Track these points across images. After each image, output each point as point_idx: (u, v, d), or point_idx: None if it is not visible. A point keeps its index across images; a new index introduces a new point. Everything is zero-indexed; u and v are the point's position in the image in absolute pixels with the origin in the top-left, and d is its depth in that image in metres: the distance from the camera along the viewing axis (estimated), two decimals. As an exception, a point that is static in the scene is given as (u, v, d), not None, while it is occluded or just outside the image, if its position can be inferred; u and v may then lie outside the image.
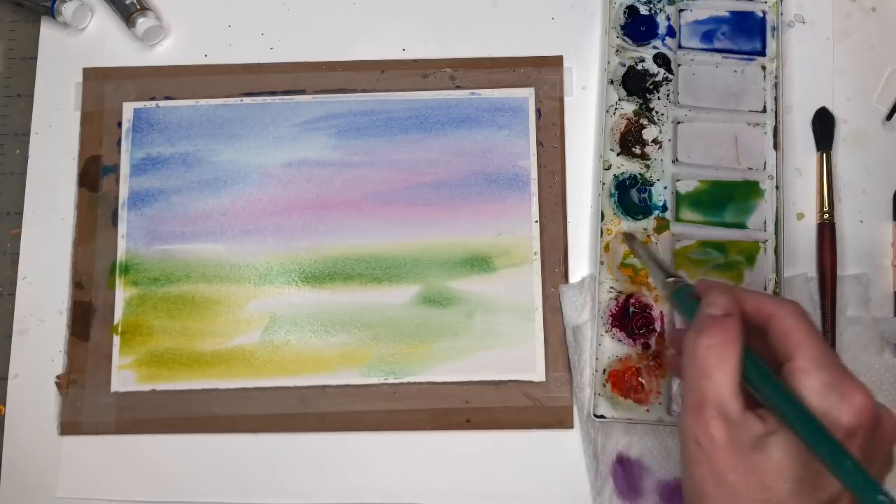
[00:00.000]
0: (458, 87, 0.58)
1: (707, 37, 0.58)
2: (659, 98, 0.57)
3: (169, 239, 0.56)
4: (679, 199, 0.56)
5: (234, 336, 0.55)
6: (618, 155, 0.56)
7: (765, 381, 0.36)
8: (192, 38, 0.60)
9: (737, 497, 0.35)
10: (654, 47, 0.58)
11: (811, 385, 0.35)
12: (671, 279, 0.43)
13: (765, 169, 0.56)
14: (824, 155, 0.56)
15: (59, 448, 0.54)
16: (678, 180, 0.56)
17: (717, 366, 0.36)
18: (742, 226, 0.55)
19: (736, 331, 0.36)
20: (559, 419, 0.53)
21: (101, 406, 0.54)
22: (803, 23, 0.59)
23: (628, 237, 0.52)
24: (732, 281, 0.54)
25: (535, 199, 0.56)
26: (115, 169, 0.58)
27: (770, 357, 0.37)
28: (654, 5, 0.58)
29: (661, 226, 0.55)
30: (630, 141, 0.56)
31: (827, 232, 0.55)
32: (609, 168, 0.56)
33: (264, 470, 0.53)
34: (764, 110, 0.57)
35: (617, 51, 0.58)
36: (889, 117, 0.57)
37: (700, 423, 0.36)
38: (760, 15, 0.58)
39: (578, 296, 0.54)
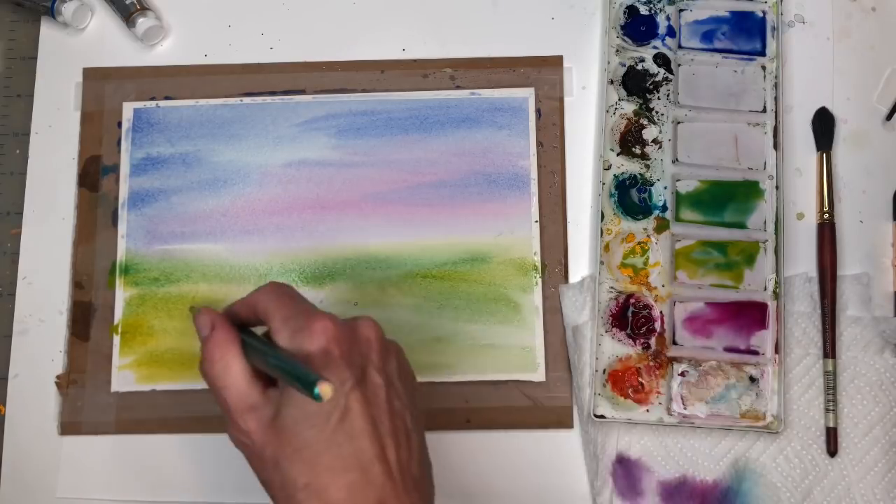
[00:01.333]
0: (458, 87, 0.58)
1: (707, 37, 0.58)
2: (659, 98, 0.57)
3: (169, 239, 0.56)
4: (679, 199, 0.56)
5: (234, 336, 0.55)
6: (618, 155, 0.56)
7: (258, 355, 0.39)
8: (192, 38, 0.60)
9: (278, 464, 0.37)
10: (654, 47, 0.58)
11: (284, 338, 0.39)
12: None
13: (765, 169, 0.56)
14: (824, 155, 0.56)
15: (59, 448, 0.54)
16: (678, 180, 0.56)
17: (226, 376, 0.39)
18: (742, 226, 0.55)
19: (226, 336, 0.40)
20: (559, 419, 0.53)
21: (101, 406, 0.54)
22: (803, 23, 0.59)
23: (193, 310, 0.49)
24: (732, 281, 0.54)
25: (535, 199, 0.56)
26: (115, 169, 0.58)
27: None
28: (654, 5, 0.58)
29: (661, 226, 0.55)
30: (630, 141, 0.56)
31: (827, 232, 0.55)
32: (609, 168, 0.56)
33: (264, 470, 0.53)
34: (764, 110, 0.57)
35: (617, 51, 0.58)
36: (889, 117, 0.57)
37: (235, 428, 0.39)
38: (760, 15, 0.58)
39: (578, 296, 0.54)
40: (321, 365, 0.37)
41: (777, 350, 0.53)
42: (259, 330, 0.42)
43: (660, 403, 0.52)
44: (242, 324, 0.42)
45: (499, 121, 0.57)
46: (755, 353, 0.53)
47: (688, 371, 0.53)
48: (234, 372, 0.39)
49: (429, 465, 0.41)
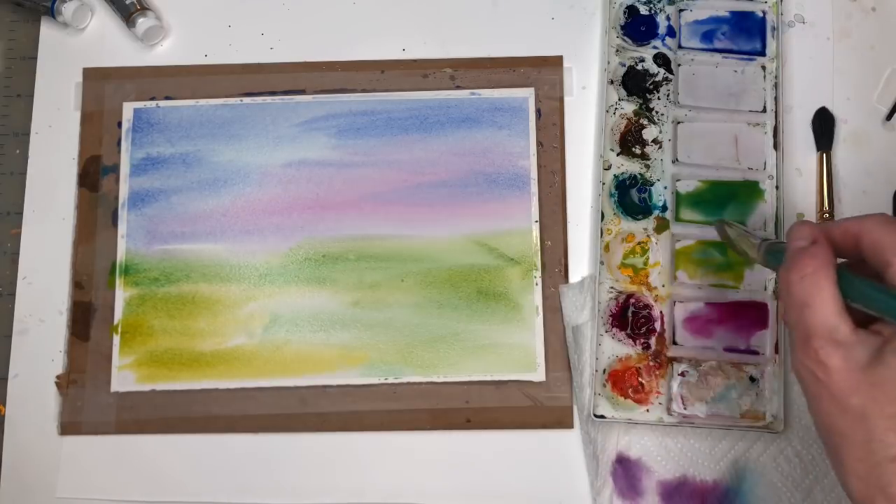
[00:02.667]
0: (458, 87, 0.58)
1: (707, 37, 0.58)
2: (659, 98, 0.57)
3: (169, 239, 0.56)
4: (679, 199, 0.56)
5: (234, 336, 0.55)
6: (618, 155, 0.56)
7: (869, 293, 0.35)
8: (192, 38, 0.60)
9: (866, 419, 0.33)
10: (654, 47, 0.58)
11: None
12: (762, 241, 0.43)
13: (765, 169, 0.56)
14: (824, 155, 0.56)
15: (59, 448, 0.54)
16: (678, 180, 0.56)
17: (815, 294, 0.35)
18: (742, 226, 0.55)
19: (825, 255, 0.36)
20: (559, 419, 0.53)
21: (101, 406, 0.54)
22: (803, 23, 0.59)
23: (719, 226, 0.50)
24: (732, 281, 0.54)
25: (535, 199, 0.56)
26: (115, 169, 0.58)
27: (872, 275, 0.36)
28: (654, 5, 0.58)
29: (661, 226, 0.55)
30: (630, 141, 0.56)
31: (827, 232, 0.55)
32: (609, 168, 0.56)
33: (264, 470, 0.53)
34: (764, 110, 0.57)
35: (617, 51, 0.58)
36: (889, 117, 0.57)
37: (810, 354, 0.34)
38: (760, 15, 0.58)
39: (578, 296, 0.54)
40: None
41: (777, 350, 0.53)
42: None
43: (660, 403, 0.52)
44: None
45: (499, 121, 0.57)
46: (755, 353, 0.53)
47: (688, 371, 0.53)
48: (826, 294, 0.34)
49: None
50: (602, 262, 0.54)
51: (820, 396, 0.34)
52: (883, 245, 0.35)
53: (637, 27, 0.58)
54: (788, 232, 0.39)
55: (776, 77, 0.57)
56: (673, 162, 0.56)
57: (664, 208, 0.55)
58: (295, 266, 0.56)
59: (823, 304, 0.34)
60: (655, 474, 0.52)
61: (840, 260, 0.37)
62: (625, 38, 0.58)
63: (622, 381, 0.52)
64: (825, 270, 0.35)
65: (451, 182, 0.57)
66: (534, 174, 0.57)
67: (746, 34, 0.58)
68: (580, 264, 0.56)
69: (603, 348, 0.53)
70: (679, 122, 0.57)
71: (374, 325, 0.55)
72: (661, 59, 0.57)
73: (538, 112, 0.58)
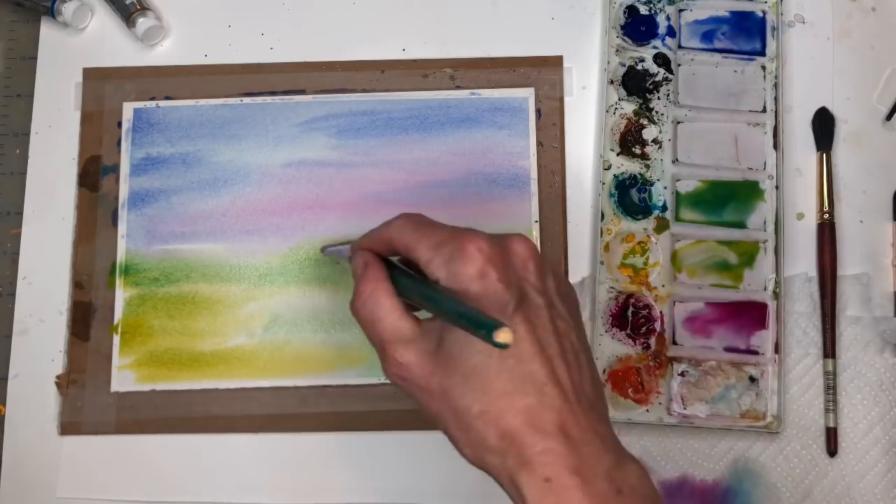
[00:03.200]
0: (458, 87, 0.58)
1: (707, 37, 0.58)
2: (659, 98, 0.57)
3: (169, 239, 0.56)
4: (679, 199, 0.56)
5: (234, 336, 0.55)
6: (618, 155, 0.56)
7: (410, 288, 0.39)
8: (192, 38, 0.60)
9: (447, 393, 0.36)
10: (654, 47, 0.58)
11: (438, 266, 0.37)
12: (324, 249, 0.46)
13: (765, 169, 0.56)
14: (824, 155, 0.56)
15: (59, 448, 0.54)
16: (678, 180, 0.56)
17: (377, 310, 0.38)
18: (742, 226, 0.55)
19: (377, 274, 0.39)
20: (559, 419, 0.53)
21: (101, 406, 0.54)
22: (803, 23, 0.59)
23: (326, 253, 0.53)
24: (732, 281, 0.54)
25: (535, 199, 0.56)
26: (115, 169, 0.58)
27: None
28: (654, 5, 0.58)
29: (661, 226, 0.55)
30: (630, 141, 0.56)
31: (827, 232, 0.55)
32: (609, 168, 0.56)
33: (264, 470, 0.53)
34: (764, 110, 0.57)
35: (617, 51, 0.58)
36: (889, 117, 0.57)
37: (390, 360, 0.38)
38: (760, 15, 0.58)
39: (578, 296, 0.54)
40: (478, 290, 0.36)
41: (777, 350, 0.53)
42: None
43: (660, 403, 0.52)
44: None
45: (499, 121, 0.57)
46: (755, 353, 0.53)
47: (688, 371, 0.53)
48: (386, 306, 0.38)
49: (600, 384, 0.39)
50: (602, 262, 0.54)
51: (413, 393, 0.38)
52: (409, 246, 0.38)
53: (637, 27, 0.58)
54: (352, 265, 0.42)
55: (776, 77, 0.57)
56: (673, 162, 0.56)
57: (664, 208, 0.55)
58: (295, 266, 0.56)
59: (386, 315, 0.38)
60: (655, 474, 0.52)
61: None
62: (625, 38, 0.58)
63: (622, 381, 0.52)
64: (380, 287, 0.39)
65: (451, 182, 0.57)
66: (534, 174, 0.57)
67: (746, 34, 0.58)
68: (580, 264, 0.56)
69: (603, 348, 0.53)
70: (679, 122, 0.57)
71: (374, 325, 0.55)
72: (661, 59, 0.57)
73: (538, 112, 0.58)
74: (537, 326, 0.36)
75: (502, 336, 0.32)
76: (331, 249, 0.52)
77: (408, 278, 0.40)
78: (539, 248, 0.38)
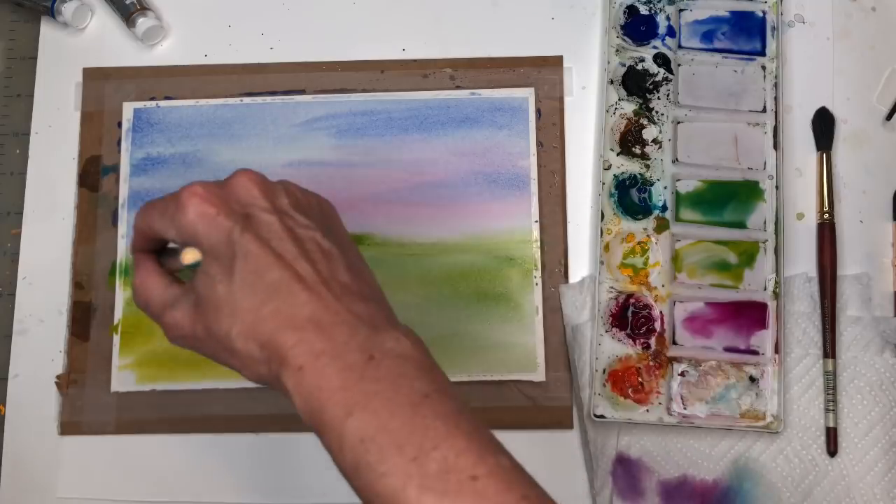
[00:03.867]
0: (458, 87, 0.58)
1: (707, 37, 0.58)
2: (659, 98, 0.57)
3: (169, 239, 0.56)
4: (679, 199, 0.56)
5: (234, 336, 0.55)
6: (618, 155, 0.56)
7: (165, 262, 0.41)
8: (192, 38, 0.60)
9: (215, 333, 0.37)
10: (654, 47, 0.58)
11: (167, 229, 0.39)
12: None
13: (765, 169, 0.56)
14: (824, 155, 0.56)
15: (59, 448, 0.54)
16: (678, 180, 0.56)
17: (147, 291, 0.40)
18: (742, 226, 0.55)
19: (141, 262, 0.41)
20: (559, 419, 0.53)
21: (101, 406, 0.54)
22: (803, 23, 0.59)
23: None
24: (732, 281, 0.54)
25: (535, 199, 0.56)
26: (115, 169, 0.58)
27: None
28: (654, 5, 0.58)
29: (661, 226, 0.55)
30: (630, 141, 0.56)
31: (827, 232, 0.55)
32: (609, 168, 0.56)
33: (264, 470, 0.53)
34: (764, 110, 0.57)
35: (617, 51, 0.58)
36: (889, 117, 0.57)
37: (167, 327, 0.40)
38: (760, 15, 0.58)
39: (578, 296, 0.54)
40: (203, 229, 0.37)
41: (777, 350, 0.53)
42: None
43: (660, 403, 0.52)
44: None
45: (499, 121, 0.57)
46: (755, 353, 0.53)
47: (688, 371, 0.53)
48: (151, 284, 0.40)
49: (361, 271, 0.40)
50: (602, 262, 0.54)
51: (195, 346, 0.39)
52: (152, 228, 0.40)
53: (637, 27, 0.58)
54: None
55: (776, 77, 0.57)
56: (673, 162, 0.56)
57: (664, 208, 0.55)
58: (295, 266, 0.56)
59: (153, 292, 0.40)
60: (655, 474, 0.52)
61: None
62: (625, 38, 0.58)
63: (622, 381, 0.52)
64: (146, 271, 0.41)
65: (451, 182, 0.57)
66: (534, 174, 0.57)
67: (746, 34, 0.58)
68: (580, 264, 0.56)
69: (603, 348, 0.53)
70: (679, 122, 0.57)
71: (374, 325, 0.54)
72: (661, 59, 0.57)
73: (538, 112, 0.58)
74: (271, 239, 0.37)
75: (187, 258, 0.38)
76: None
77: (162, 254, 0.42)
78: (267, 177, 0.40)
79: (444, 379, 0.37)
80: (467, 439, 0.34)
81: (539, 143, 0.57)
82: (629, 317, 0.53)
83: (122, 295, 0.56)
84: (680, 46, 0.58)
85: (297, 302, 0.36)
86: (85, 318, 0.56)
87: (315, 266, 0.37)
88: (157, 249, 0.42)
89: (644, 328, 0.53)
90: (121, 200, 0.57)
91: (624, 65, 0.57)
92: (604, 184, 0.55)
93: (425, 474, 0.33)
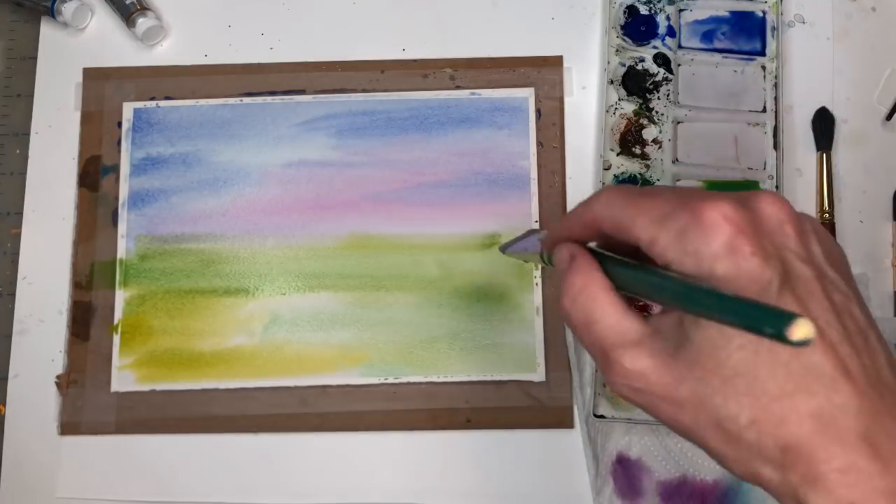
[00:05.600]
0: (458, 87, 0.58)
1: (707, 37, 0.58)
2: (659, 98, 0.57)
3: (169, 239, 0.56)
4: (679, 199, 0.55)
5: (234, 336, 0.55)
6: (618, 155, 0.56)
7: (633, 279, 0.32)
8: (192, 38, 0.60)
9: (703, 404, 0.29)
10: (654, 47, 0.58)
11: (665, 245, 0.30)
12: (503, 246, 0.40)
13: (765, 169, 0.56)
14: (824, 155, 0.56)
15: (59, 448, 0.54)
16: (678, 180, 0.56)
17: (593, 308, 0.32)
18: (742, 226, 0.55)
19: (587, 265, 0.32)
20: (559, 419, 0.53)
21: (101, 406, 0.54)
22: (803, 23, 0.59)
23: (507, 251, 0.44)
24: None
25: (535, 199, 0.56)
26: (115, 169, 0.58)
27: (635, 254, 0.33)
28: (654, 5, 0.58)
29: (661, 226, 0.55)
30: (630, 141, 0.56)
31: (827, 232, 0.55)
32: (609, 168, 0.56)
33: (264, 470, 0.53)
34: (764, 110, 0.57)
35: (617, 51, 0.58)
36: (889, 117, 0.57)
37: (617, 370, 0.31)
38: (760, 15, 0.58)
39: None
40: (727, 269, 0.28)
41: (777, 350, 0.52)
42: None
43: (660, 403, 0.52)
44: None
45: (499, 121, 0.57)
46: (755, 353, 0.53)
47: (688, 371, 0.53)
48: (602, 302, 0.31)
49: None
50: (602, 262, 0.54)
51: (653, 405, 0.31)
52: (622, 225, 0.31)
53: (637, 27, 0.58)
54: (555, 259, 0.35)
55: (776, 77, 0.57)
56: (673, 162, 0.56)
57: (664, 208, 0.55)
58: (295, 266, 0.56)
59: (605, 314, 0.31)
60: (655, 474, 0.52)
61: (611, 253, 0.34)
62: (625, 38, 0.58)
63: (622, 381, 0.52)
64: (593, 280, 0.32)
65: (451, 182, 0.57)
66: (534, 174, 0.57)
67: (746, 34, 0.58)
68: (580, 264, 0.56)
69: (603, 348, 0.53)
70: (679, 122, 0.57)
71: (374, 325, 0.55)
72: (661, 59, 0.57)
73: (538, 112, 0.58)
74: (810, 306, 0.28)
75: (801, 331, 0.24)
76: (514, 248, 0.42)
77: (627, 267, 0.32)
78: (791, 205, 0.30)
79: None
80: None
81: (539, 143, 0.57)
82: (629, 317, 0.53)
83: (121, 295, 0.56)
84: (680, 46, 0.58)
85: (845, 406, 0.27)
86: (85, 318, 0.56)
87: (859, 356, 0.28)
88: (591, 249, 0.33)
89: (644, 328, 0.53)
90: (121, 200, 0.57)
91: (624, 65, 0.57)
92: (604, 184, 0.55)
93: None
